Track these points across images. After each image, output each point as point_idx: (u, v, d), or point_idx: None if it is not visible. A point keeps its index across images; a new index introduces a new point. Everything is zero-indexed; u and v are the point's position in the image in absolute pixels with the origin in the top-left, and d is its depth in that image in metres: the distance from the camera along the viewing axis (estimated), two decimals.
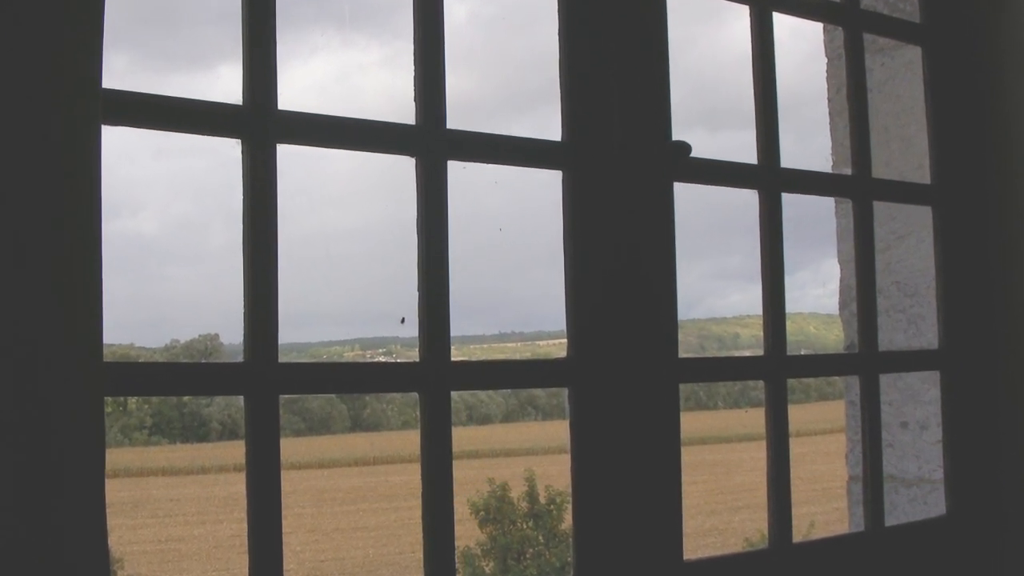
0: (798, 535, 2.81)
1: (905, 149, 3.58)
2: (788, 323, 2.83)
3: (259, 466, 2.01)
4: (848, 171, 3.13)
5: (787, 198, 2.84)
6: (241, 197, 2.03)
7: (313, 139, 2.17)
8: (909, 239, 3.57)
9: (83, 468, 1.68)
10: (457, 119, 2.30)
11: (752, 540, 27.74)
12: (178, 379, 2.02)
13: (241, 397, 2.03)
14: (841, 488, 3.72)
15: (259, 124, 2.04)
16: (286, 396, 2.07)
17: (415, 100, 2.28)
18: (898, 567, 3.03)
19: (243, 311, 2.02)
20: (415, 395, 2.25)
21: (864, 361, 3.05)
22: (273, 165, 2.04)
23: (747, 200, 2.81)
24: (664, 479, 2.52)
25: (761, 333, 2.80)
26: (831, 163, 3.68)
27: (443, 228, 2.26)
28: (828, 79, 3.76)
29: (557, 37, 2.51)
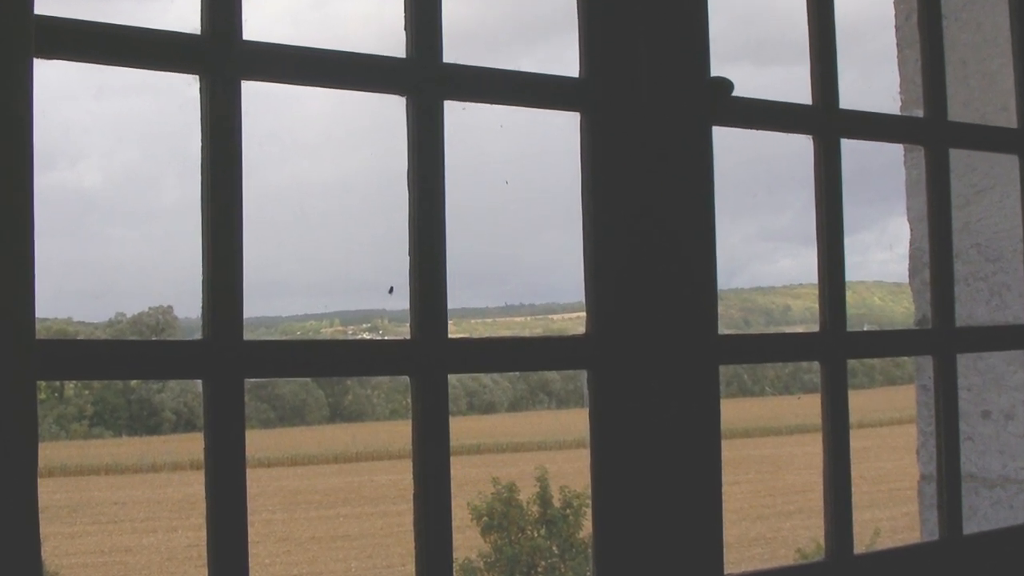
0: (860, 545, 2.82)
1: (987, 87, 3.57)
2: (848, 293, 2.83)
3: (220, 463, 2.02)
4: (919, 113, 3.12)
5: (847, 145, 2.83)
6: (199, 144, 2.03)
7: (284, 75, 2.16)
8: (992, 193, 3.56)
9: (10, 466, 1.68)
10: (455, 51, 2.30)
11: (805, 551, 27.86)
12: (124, 360, 2.01)
13: (199, 381, 2.04)
14: (911, 489, 3.73)
15: (220, 57, 2.04)
16: (252, 380, 2.08)
17: (405, 29, 2.27)
18: None
19: (201, 279, 2.02)
20: (405, 379, 2.25)
21: (938, 339, 3.05)
22: (237, 106, 2.04)
23: (800, 147, 2.80)
24: (702, 479, 2.53)
25: (816, 305, 2.80)
26: (899, 104, 3.67)
27: (439, 181, 2.26)
28: (896, 4, 3.75)
29: None
